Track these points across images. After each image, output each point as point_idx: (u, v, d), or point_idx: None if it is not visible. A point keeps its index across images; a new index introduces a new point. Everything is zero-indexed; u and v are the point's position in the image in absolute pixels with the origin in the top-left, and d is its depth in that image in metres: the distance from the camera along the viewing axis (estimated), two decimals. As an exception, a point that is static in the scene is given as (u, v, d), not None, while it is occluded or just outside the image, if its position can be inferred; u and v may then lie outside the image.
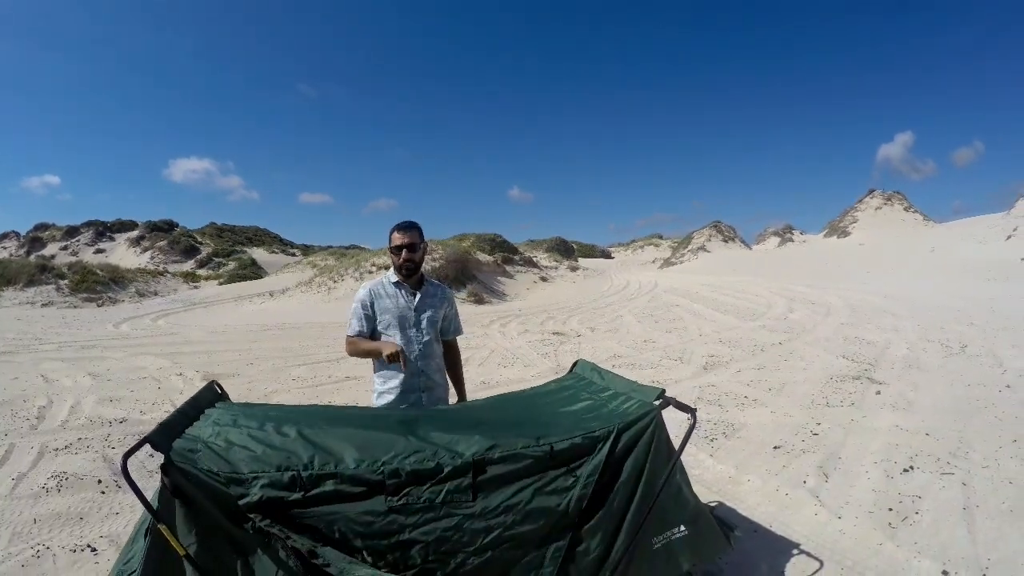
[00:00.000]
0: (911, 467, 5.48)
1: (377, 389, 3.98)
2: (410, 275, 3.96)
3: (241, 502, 2.43)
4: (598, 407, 3.31)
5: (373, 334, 4.01)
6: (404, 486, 2.58)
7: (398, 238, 3.89)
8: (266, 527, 2.39)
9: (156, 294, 33.81)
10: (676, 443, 3.07)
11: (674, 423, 3.27)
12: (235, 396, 8.57)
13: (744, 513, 4.73)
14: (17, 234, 63.48)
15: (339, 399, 8.69)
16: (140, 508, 5.04)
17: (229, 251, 54.68)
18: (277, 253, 58.16)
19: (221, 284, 38.95)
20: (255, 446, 2.65)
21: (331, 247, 61.66)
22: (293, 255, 57.08)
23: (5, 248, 59.59)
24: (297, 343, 14.55)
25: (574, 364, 4.23)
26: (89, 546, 4.47)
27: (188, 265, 50.78)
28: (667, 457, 2.99)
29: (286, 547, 2.37)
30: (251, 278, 41.20)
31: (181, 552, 2.25)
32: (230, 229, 65.05)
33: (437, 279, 4.30)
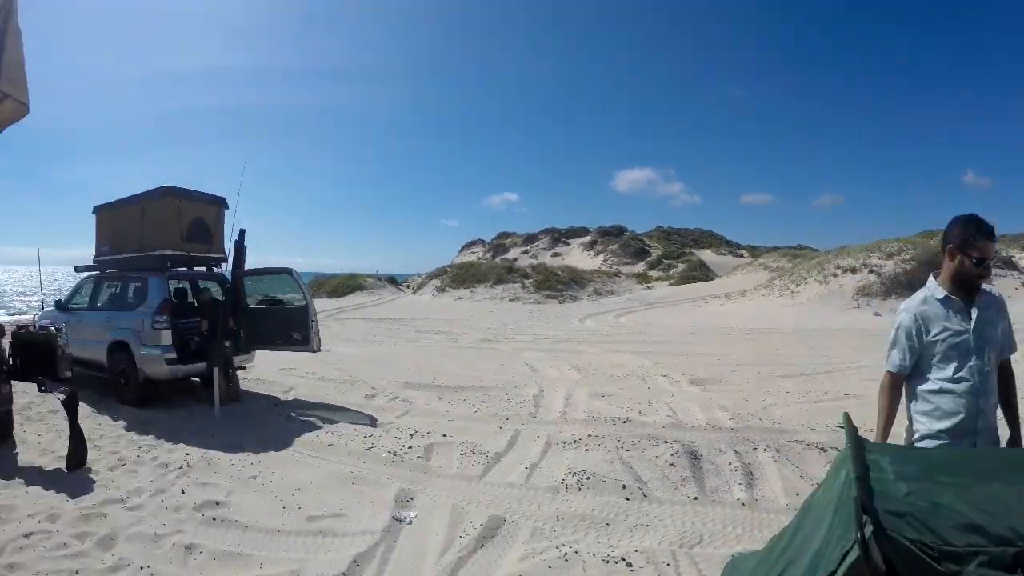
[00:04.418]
0: None
1: (920, 430, 3.13)
2: (975, 289, 3.08)
3: None
4: None
5: (917, 367, 3.18)
6: None
7: (985, 249, 2.95)
8: None
9: (612, 293, 35.79)
10: None
11: None
12: (732, 405, 7.61)
13: None
14: (483, 241, 73.88)
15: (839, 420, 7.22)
16: (674, 522, 4.47)
17: (678, 253, 55.72)
18: (725, 255, 57.59)
19: (672, 285, 39.70)
20: (968, 510, 2.02)
21: (777, 248, 58.88)
22: (741, 256, 55.99)
23: (474, 252, 69.75)
24: (773, 349, 13.37)
25: None
26: (623, 559, 3.97)
27: (639, 267, 53.08)
28: None
29: None
30: (700, 279, 41.24)
31: None
32: (676, 232, 66.50)
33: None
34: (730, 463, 5.69)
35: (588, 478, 5.31)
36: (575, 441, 6.37)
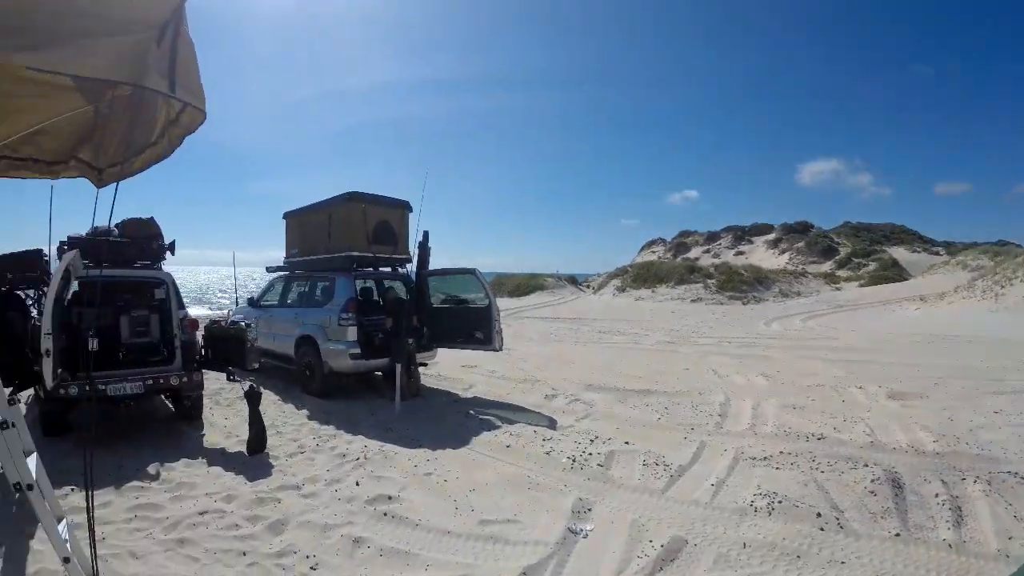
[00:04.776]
0: None
1: None
2: None
3: None
4: None
5: None
6: None
7: None
8: None
9: (799, 294, 33.76)
10: None
11: None
12: (936, 426, 6.78)
13: None
14: (663, 240, 71.84)
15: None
16: (871, 561, 3.96)
17: (868, 251, 51.38)
18: (919, 252, 52.44)
19: (862, 286, 36.80)
20: None
21: (976, 243, 52.55)
22: (937, 254, 50.78)
23: (654, 252, 67.99)
24: (977, 362, 11.72)
25: None
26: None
27: (826, 266, 49.56)
28: None
29: None
30: (893, 280, 37.90)
31: None
32: (866, 228, 61.34)
33: None
34: (936, 495, 4.92)
35: (780, 501, 4.81)
36: (765, 458, 5.84)
